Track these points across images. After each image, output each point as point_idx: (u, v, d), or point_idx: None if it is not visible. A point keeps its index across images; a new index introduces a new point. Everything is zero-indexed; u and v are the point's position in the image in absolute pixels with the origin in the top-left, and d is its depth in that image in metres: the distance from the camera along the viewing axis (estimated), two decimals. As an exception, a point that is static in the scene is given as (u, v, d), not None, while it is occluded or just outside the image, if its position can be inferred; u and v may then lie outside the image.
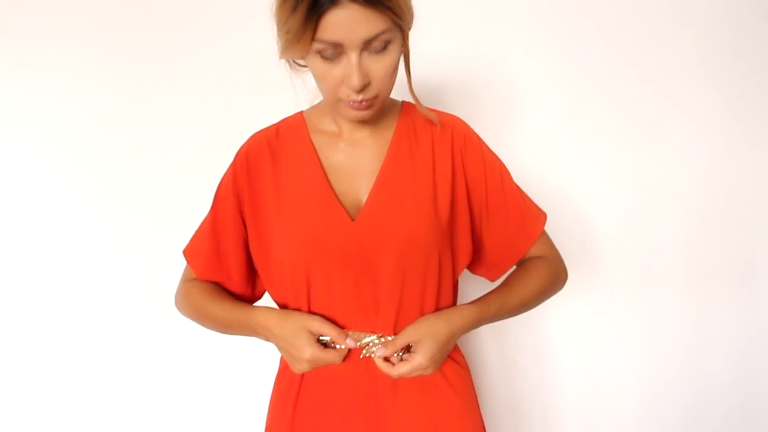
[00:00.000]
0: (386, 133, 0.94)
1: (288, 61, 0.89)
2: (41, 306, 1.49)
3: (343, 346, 0.90)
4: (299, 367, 0.90)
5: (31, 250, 1.47)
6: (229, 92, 1.44)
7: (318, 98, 0.98)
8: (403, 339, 0.90)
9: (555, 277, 1.03)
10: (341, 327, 0.91)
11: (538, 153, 1.50)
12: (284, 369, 1.00)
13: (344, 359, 0.91)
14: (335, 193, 0.90)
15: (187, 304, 1.01)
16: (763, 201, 1.56)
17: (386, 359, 0.91)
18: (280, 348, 0.91)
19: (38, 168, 1.45)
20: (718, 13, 1.47)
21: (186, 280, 1.04)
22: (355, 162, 0.92)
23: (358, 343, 0.91)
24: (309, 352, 0.87)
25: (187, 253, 1.03)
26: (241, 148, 0.99)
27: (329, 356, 0.88)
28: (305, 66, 0.88)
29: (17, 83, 1.41)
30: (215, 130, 1.44)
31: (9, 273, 1.48)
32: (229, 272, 1.00)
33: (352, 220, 0.88)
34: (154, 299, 1.49)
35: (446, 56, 1.44)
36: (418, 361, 0.88)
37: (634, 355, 1.61)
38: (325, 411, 0.94)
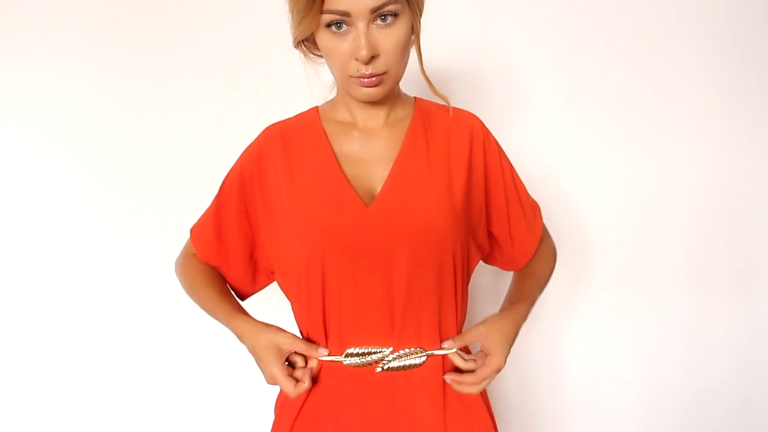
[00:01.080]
0: (401, 124, 0.93)
1: (302, 51, 0.90)
2: (42, 308, 1.49)
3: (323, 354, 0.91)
4: (266, 381, 0.91)
5: (33, 251, 1.47)
6: (231, 94, 1.44)
7: (331, 94, 0.98)
8: (473, 335, 0.92)
9: (554, 252, 1.10)
10: (355, 324, 0.90)
11: (538, 153, 1.50)
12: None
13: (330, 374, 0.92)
14: (348, 180, 0.89)
15: (183, 277, 1.02)
16: (763, 201, 1.56)
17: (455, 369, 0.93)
18: (252, 357, 0.93)
19: (39, 169, 1.45)
20: (717, 12, 1.47)
21: (187, 254, 1.05)
22: (369, 150, 0.92)
23: (357, 360, 0.90)
24: (273, 371, 0.88)
25: (193, 232, 1.04)
26: (254, 140, 0.99)
27: (287, 386, 0.87)
28: (320, 55, 0.89)
29: (18, 84, 1.41)
30: (216, 131, 1.45)
31: (10, 274, 1.47)
32: (227, 259, 1.01)
33: (366, 206, 0.87)
34: (156, 299, 1.49)
35: (447, 50, 1.44)
36: (497, 362, 0.89)
37: (635, 354, 1.61)
38: (335, 416, 0.93)
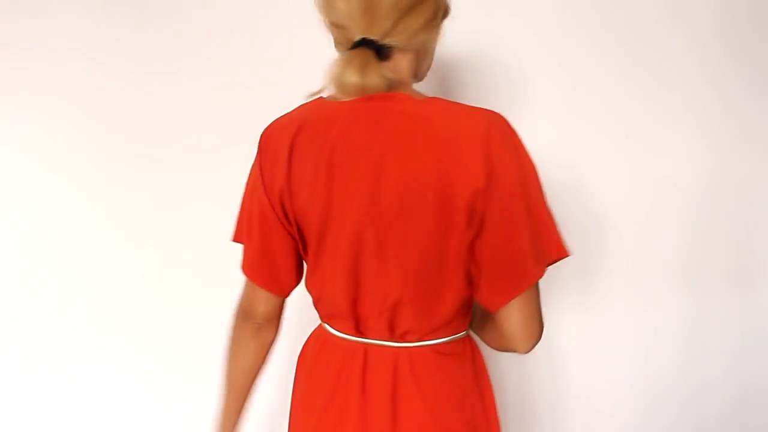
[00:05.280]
0: None
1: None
2: (44, 307, 1.49)
3: None
4: None
5: (34, 250, 1.47)
6: (231, 93, 1.44)
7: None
8: None
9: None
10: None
11: (534, 152, 1.50)
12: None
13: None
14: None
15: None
16: (760, 199, 1.58)
17: None
18: None
19: (38, 168, 1.44)
20: (714, 11, 1.49)
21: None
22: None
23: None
24: None
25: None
26: None
27: None
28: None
29: (19, 82, 1.41)
30: (218, 129, 1.45)
31: (10, 275, 1.47)
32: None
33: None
34: (156, 298, 1.49)
35: (447, 41, 1.45)
36: None
37: (631, 352, 1.62)
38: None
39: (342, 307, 0.91)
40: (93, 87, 1.42)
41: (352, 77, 0.81)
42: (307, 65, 1.38)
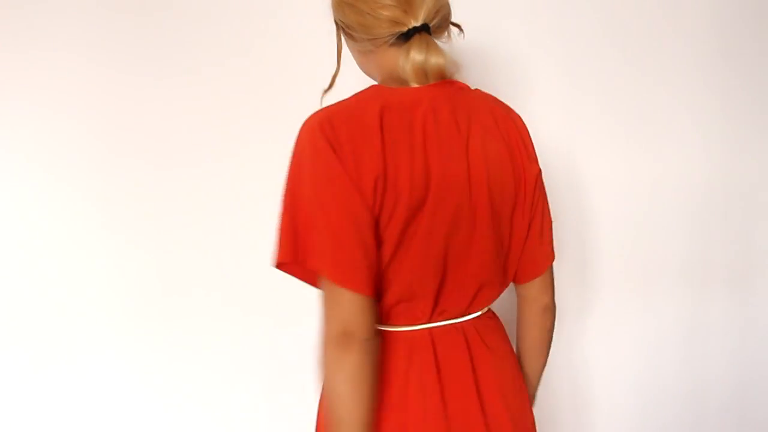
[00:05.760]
0: None
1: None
2: (43, 309, 1.49)
3: None
4: None
5: (33, 252, 1.47)
6: (231, 97, 1.43)
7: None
8: None
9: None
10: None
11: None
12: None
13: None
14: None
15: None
16: (758, 198, 1.58)
17: None
18: None
19: (37, 170, 1.44)
20: (713, 11, 1.49)
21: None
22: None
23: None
24: None
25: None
26: None
27: None
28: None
29: (19, 85, 1.41)
30: (218, 132, 1.45)
31: (10, 276, 1.47)
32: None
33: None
34: (156, 300, 1.49)
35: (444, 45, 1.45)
36: None
37: (632, 350, 1.61)
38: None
39: (426, 290, 0.86)
40: (93, 91, 1.41)
41: (439, 59, 0.83)
42: (305, 70, 1.39)
